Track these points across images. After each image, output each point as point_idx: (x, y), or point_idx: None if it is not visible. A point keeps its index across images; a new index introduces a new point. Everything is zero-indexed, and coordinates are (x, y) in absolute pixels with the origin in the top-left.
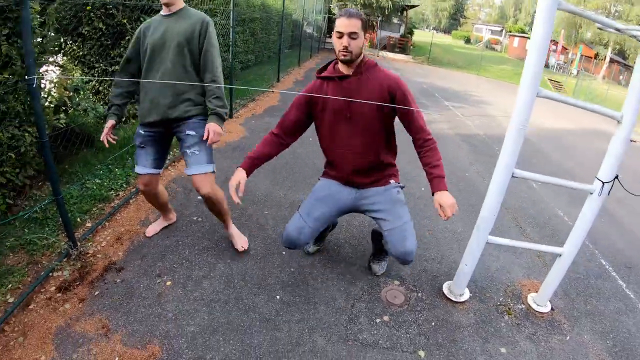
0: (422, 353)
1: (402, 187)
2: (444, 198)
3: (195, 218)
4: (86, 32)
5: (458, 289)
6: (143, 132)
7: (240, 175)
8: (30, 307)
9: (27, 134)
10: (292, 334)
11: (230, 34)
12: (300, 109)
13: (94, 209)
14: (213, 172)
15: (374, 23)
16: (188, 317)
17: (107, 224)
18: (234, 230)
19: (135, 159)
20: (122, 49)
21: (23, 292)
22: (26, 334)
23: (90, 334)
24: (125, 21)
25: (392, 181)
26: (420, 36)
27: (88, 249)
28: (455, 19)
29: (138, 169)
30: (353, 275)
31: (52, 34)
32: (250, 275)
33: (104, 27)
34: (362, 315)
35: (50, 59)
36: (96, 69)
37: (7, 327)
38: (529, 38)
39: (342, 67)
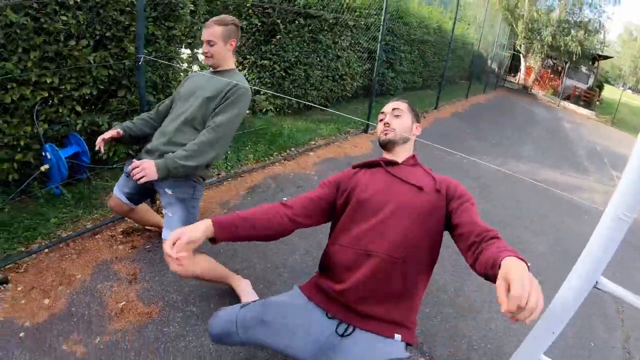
0: None
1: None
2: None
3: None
4: (243, 26)
5: None
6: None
7: (200, 228)
8: (96, 236)
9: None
10: None
11: (378, 48)
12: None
13: None
14: None
15: (560, 68)
16: (198, 298)
17: None
18: (241, 285)
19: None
20: (272, 46)
21: (98, 224)
22: (80, 254)
23: (120, 275)
24: (279, 21)
25: (397, 335)
26: (610, 92)
27: None
28: None
29: (115, 188)
30: None
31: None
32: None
33: (259, 24)
34: None
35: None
36: (247, 60)
37: (72, 243)
38: None
39: (385, 154)
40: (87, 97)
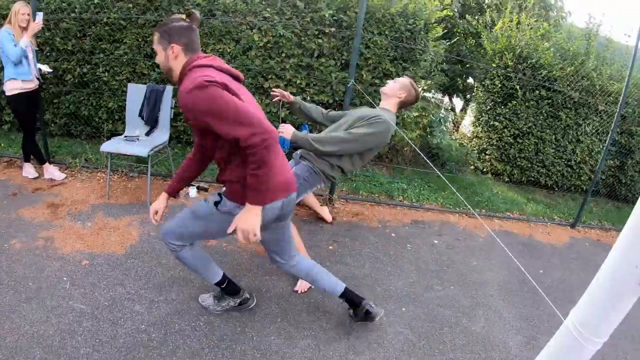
0: None
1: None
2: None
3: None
4: (487, 85)
5: None
6: None
7: (162, 200)
8: None
9: None
10: None
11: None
12: None
13: None
14: None
15: None
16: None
17: None
18: None
19: None
20: (506, 110)
21: None
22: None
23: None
24: (518, 87)
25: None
26: None
27: None
28: None
29: None
30: None
31: (438, 72)
32: None
33: (499, 85)
34: None
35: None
36: (482, 117)
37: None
38: None
39: None
40: (324, 102)
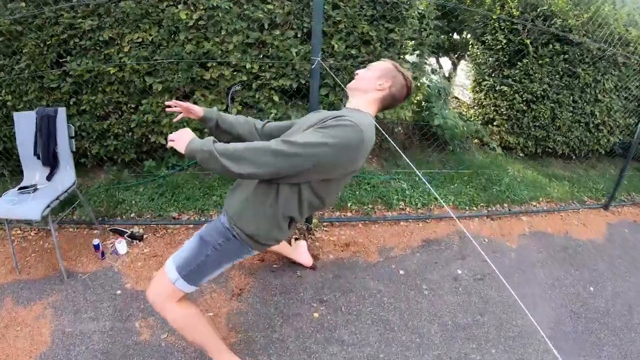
0: None
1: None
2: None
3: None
4: (487, 41)
5: None
6: None
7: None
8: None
9: None
10: None
11: None
12: None
13: None
14: (174, 283)
15: None
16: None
17: None
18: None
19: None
20: (516, 71)
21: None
22: None
23: (229, 283)
24: (528, 42)
25: None
26: None
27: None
28: None
29: None
30: None
31: (431, 30)
32: None
33: (504, 41)
34: None
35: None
36: (486, 82)
37: None
38: None
39: None
40: (286, 89)
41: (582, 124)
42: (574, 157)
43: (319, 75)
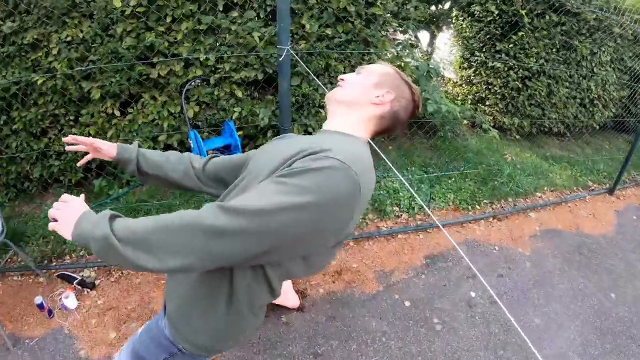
0: None
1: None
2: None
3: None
4: (476, 12)
5: None
6: None
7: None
8: None
9: None
10: None
11: None
12: None
13: None
14: None
15: None
16: None
17: None
18: None
19: None
20: (510, 45)
21: None
22: None
23: None
24: (523, 12)
25: None
26: None
27: None
28: None
29: None
30: None
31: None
32: None
33: (496, 12)
34: None
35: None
36: (476, 58)
37: None
38: None
39: None
40: (250, 81)
41: (577, 100)
42: (568, 135)
43: (289, 66)
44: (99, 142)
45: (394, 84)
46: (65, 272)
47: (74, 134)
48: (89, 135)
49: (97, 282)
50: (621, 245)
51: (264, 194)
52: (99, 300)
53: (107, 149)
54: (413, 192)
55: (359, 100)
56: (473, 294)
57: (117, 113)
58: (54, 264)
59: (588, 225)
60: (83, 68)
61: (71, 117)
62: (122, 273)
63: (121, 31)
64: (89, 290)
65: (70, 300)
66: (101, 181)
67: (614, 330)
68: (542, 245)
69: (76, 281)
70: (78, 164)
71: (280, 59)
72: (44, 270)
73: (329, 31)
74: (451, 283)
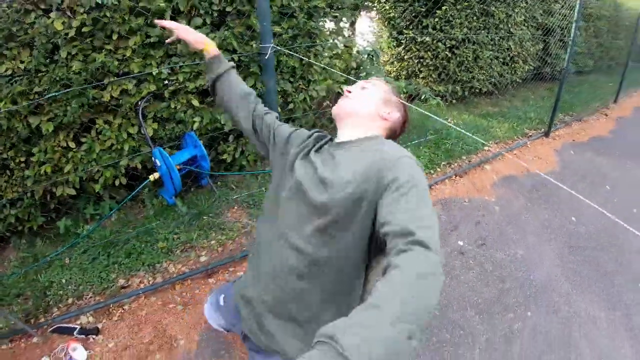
0: None
1: None
2: None
3: None
4: None
5: None
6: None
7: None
8: (210, 279)
9: None
10: None
11: (572, 29)
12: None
13: None
14: None
15: None
16: None
17: None
18: None
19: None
20: (436, 20)
21: (214, 259)
22: (187, 306)
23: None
24: None
25: None
26: None
27: None
28: None
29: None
30: None
31: None
32: None
33: None
34: None
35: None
36: (404, 36)
37: (179, 286)
38: None
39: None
40: (205, 89)
41: (500, 60)
42: (496, 92)
43: (273, 67)
44: (183, 33)
45: (396, 103)
46: (61, 325)
47: (28, 176)
48: (45, 174)
49: (99, 325)
50: (568, 177)
51: (420, 209)
52: (110, 343)
53: (194, 42)
54: None
55: (371, 112)
56: (461, 243)
57: (73, 145)
58: (42, 320)
59: (536, 167)
60: (29, 102)
61: (21, 159)
62: (123, 309)
63: (66, 55)
64: (94, 336)
65: (79, 352)
66: (65, 221)
67: (581, 245)
68: (504, 191)
69: (76, 331)
70: (167, 41)
71: (266, 57)
72: (35, 330)
73: (277, 28)
74: (440, 237)
